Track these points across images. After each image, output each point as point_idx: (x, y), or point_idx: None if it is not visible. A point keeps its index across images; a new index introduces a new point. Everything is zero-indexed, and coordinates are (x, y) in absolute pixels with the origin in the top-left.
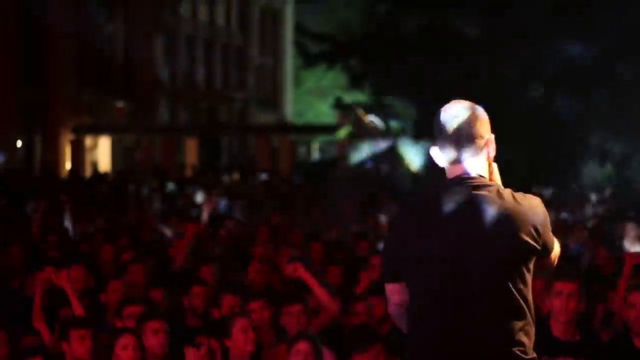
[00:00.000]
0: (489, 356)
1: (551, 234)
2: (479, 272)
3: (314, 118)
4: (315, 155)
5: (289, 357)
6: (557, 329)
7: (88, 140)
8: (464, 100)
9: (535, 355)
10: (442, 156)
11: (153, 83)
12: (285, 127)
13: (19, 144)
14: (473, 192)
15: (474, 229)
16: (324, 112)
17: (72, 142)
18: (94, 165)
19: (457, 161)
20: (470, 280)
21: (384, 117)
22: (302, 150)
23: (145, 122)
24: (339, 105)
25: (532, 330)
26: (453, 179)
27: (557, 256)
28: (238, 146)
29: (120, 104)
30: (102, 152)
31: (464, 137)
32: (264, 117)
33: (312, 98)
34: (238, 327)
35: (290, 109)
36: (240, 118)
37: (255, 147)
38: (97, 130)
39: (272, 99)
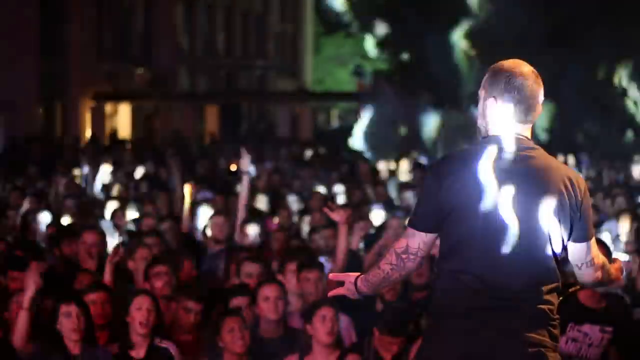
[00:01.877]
0: (520, 310)
1: (591, 213)
2: (528, 230)
3: (334, 86)
4: (335, 122)
5: (313, 323)
6: (584, 296)
7: (108, 108)
8: (522, 62)
9: (559, 316)
10: (510, 114)
11: (173, 50)
12: (305, 94)
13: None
14: (530, 153)
15: (533, 189)
16: (343, 79)
17: (92, 110)
18: (113, 132)
19: (525, 122)
20: (519, 237)
21: (405, 83)
22: (321, 117)
23: (165, 90)
24: (358, 72)
25: (557, 295)
26: (517, 139)
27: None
28: (258, 114)
29: (140, 71)
30: (122, 120)
31: (535, 100)
32: (283, 85)
33: (331, 66)
34: (265, 294)
35: (310, 77)
36: (260, 85)
37: (275, 115)
38: (117, 97)
39: (292, 66)
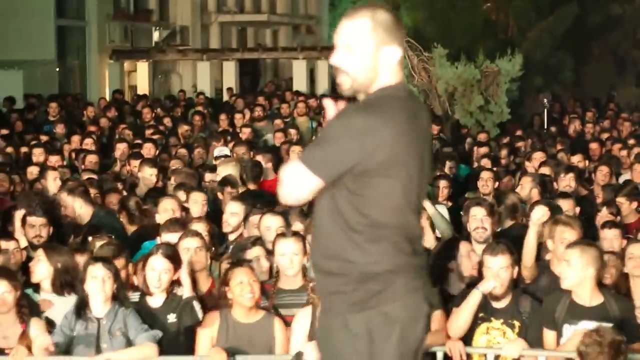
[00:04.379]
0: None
1: None
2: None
3: None
4: None
5: None
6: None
7: (126, 65)
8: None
9: None
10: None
11: (189, 6)
12: (321, 49)
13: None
14: (414, 95)
15: (425, 132)
16: None
17: (110, 67)
18: (134, 89)
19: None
20: (424, 177)
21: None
22: None
23: (182, 46)
24: None
25: None
26: (403, 84)
27: None
28: (274, 69)
29: (157, 28)
30: (141, 77)
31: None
32: (300, 40)
33: None
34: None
35: (326, 32)
36: (277, 40)
37: (291, 70)
38: (135, 54)
39: (308, 22)
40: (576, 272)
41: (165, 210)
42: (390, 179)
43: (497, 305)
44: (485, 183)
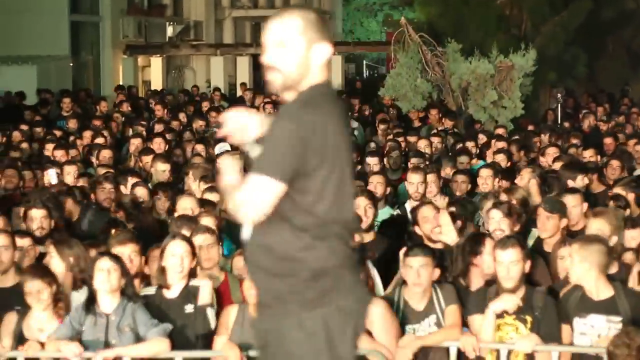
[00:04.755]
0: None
1: None
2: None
3: (363, 36)
4: (365, 72)
5: None
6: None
7: (140, 60)
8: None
9: None
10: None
11: (203, 1)
12: (335, 44)
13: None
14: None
15: (349, 127)
16: (373, 29)
17: (123, 62)
18: (147, 84)
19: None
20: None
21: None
22: (351, 66)
23: (195, 41)
24: (389, 22)
25: None
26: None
27: None
28: None
29: (170, 23)
30: (154, 72)
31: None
32: None
33: (361, 15)
34: None
35: (340, 27)
36: None
37: None
38: (148, 49)
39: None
40: (576, 267)
41: (185, 209)
42: (333, 174)
43: None
44: (485, 181)
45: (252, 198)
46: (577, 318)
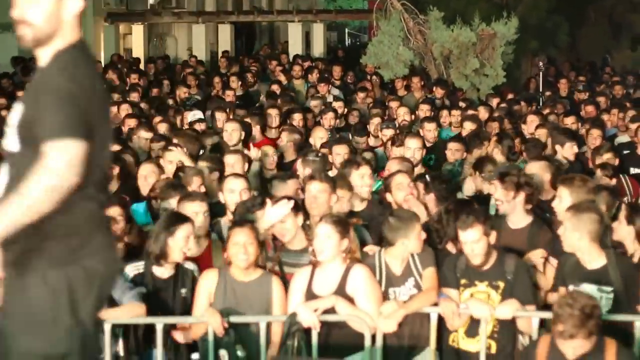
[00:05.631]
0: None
1: None
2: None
3: (345, 4)
4: (347, 40)
5: None
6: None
7: (121, 28)
8: None
9: None
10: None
11: None
12: (317, 12)
13: None
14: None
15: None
16: None
17: (105, 30)
18: (129, 52)
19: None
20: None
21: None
22: (333, 34)
23: (177, 9)
24: None
25: None
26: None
27: None
28: (270, 32)
29: None
30: (136, 40)
31: None
32: (295, 3)
33: None
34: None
35: None
36: (272, 3)
37: (287, 33)
38: (130, 17)
39: None
40: (568, 235)
41: (193, 183)
42: (97, 136)
43: (480, 268)
44: (453, 154)
45: (62, 164)
46: (571, 286)
